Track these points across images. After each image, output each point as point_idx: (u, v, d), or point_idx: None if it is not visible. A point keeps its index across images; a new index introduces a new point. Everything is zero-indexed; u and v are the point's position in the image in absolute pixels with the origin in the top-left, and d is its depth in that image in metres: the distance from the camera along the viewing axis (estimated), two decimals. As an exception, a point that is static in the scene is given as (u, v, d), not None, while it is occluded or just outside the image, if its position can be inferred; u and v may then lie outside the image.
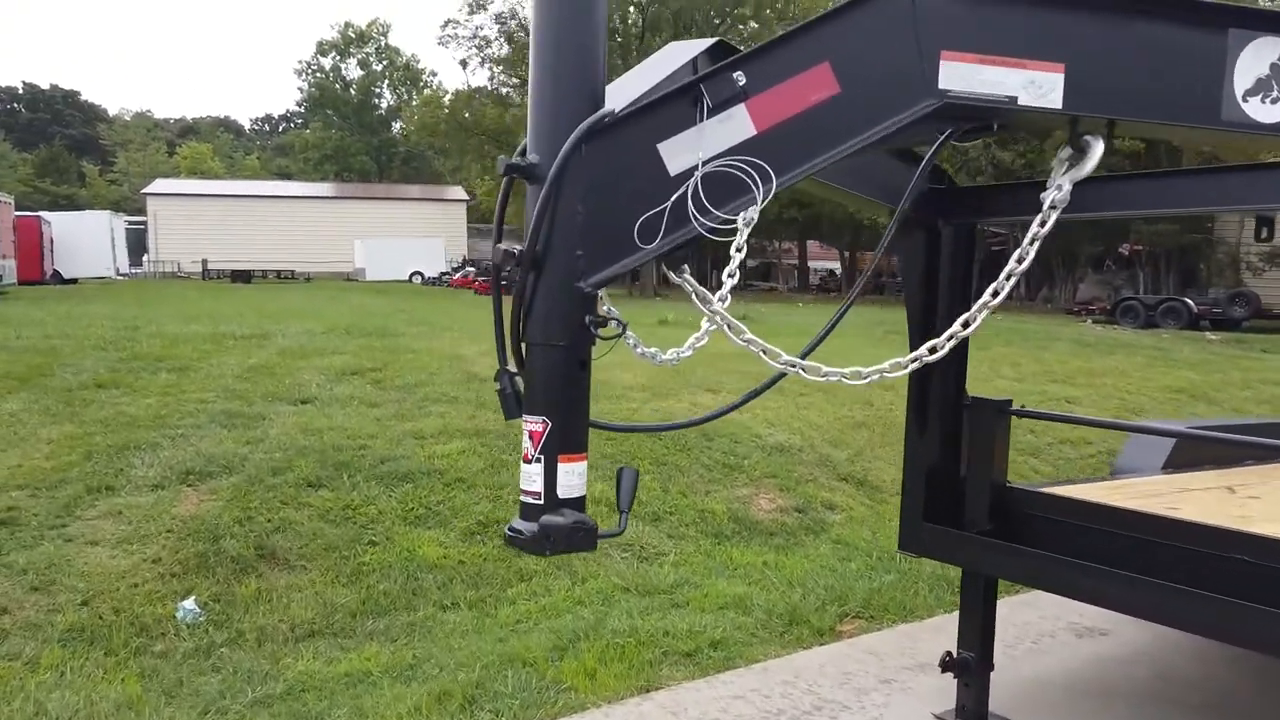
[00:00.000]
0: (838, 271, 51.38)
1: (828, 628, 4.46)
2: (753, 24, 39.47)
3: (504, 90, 41.18)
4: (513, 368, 2.00)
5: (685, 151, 1.90)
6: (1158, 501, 3.60)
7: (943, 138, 2.00)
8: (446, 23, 66.30)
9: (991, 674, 3.43)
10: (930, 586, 5.01)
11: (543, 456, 1.91)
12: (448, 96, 46.25)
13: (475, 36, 41.99)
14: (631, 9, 38.83)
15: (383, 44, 71.27)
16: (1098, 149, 1.99)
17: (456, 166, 56.98)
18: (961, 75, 1.86)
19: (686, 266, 1.97)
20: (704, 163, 1.88)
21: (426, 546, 5.14)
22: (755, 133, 1.90)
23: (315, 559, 4.91)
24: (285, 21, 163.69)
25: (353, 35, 70.18)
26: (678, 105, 1.93)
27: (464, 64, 61.92)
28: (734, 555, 5.51)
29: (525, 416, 1.95)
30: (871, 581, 5.06)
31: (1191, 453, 4.33)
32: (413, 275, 44.26)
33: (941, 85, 1.86)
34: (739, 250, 1.97)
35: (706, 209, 1.87)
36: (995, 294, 1.88)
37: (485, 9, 42.09)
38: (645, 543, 5.57)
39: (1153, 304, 26.29)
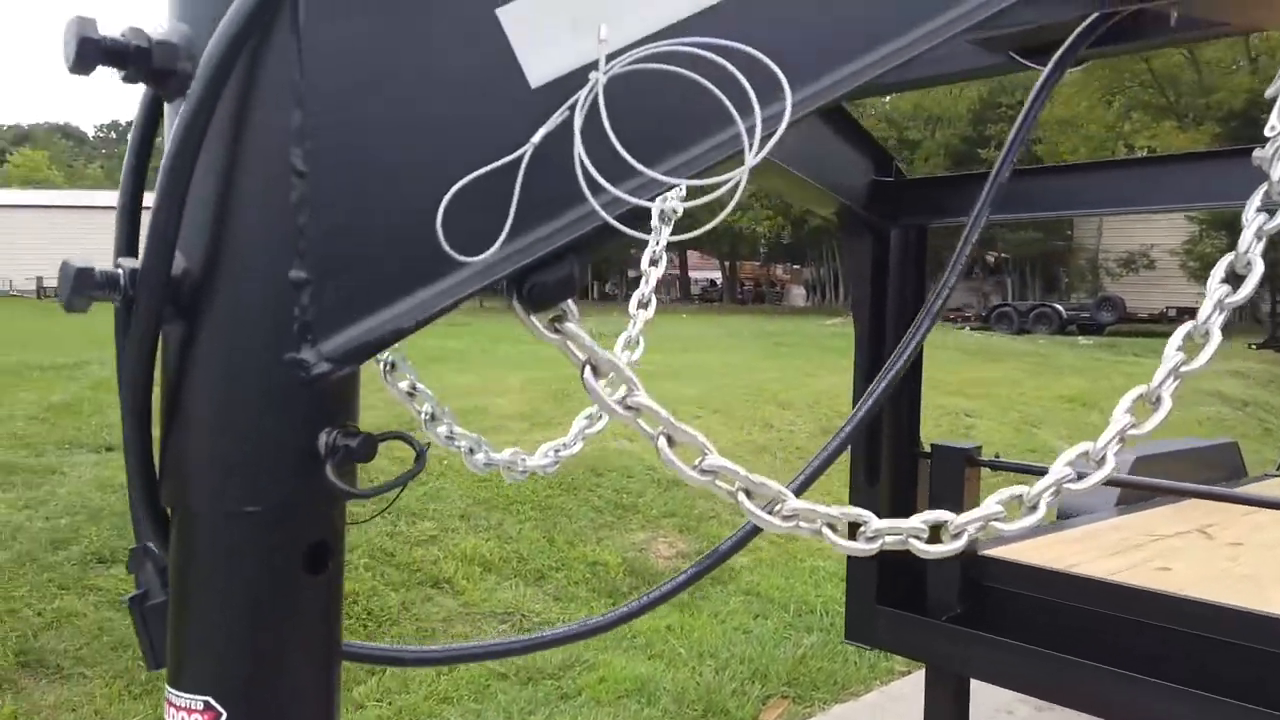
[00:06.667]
0: (718, 281, 51.48)
1: (750, 717, 3.69)
2: None
3: None
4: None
5: (568, 25, 0.74)
6: (1141, 558, 2.99)
7: (1082, 27, 1.07)
8: None
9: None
10: (858, 650, 4.31)
11: None
12: None
13: None
14: None
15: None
16: None
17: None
18: None
19: (572, 307, 0.80)
20: (609, 57, 0.72)
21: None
22: None
23: (98, 663, 3.82)
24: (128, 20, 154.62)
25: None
26: None
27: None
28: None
29: (169, 690, 0.80)
30: (794, 647, 4.33)
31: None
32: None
33: None
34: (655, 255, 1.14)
35: (624, 166, 0.72)
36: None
37: None
38: (527, 608, 4.68)
39: (1025, 310, 27.15)
